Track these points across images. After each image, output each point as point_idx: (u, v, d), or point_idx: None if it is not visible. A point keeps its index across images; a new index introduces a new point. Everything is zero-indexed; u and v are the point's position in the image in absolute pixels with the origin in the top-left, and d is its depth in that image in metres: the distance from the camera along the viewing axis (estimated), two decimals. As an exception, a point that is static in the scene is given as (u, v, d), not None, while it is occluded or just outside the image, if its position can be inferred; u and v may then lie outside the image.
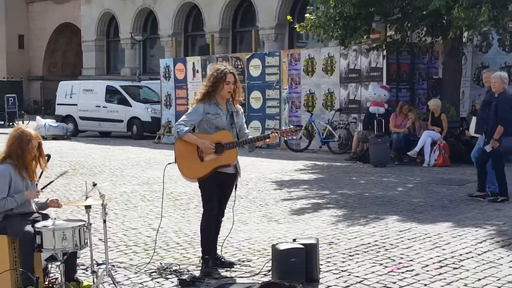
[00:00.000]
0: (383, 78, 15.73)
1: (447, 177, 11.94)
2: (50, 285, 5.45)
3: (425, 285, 5.51)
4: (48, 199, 5.71)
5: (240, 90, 6.09)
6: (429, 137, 13.72)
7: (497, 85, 9.17)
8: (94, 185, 5.37)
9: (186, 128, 5.84)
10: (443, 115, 13.99)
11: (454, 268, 5.99)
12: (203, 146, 5.82)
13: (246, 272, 5.95)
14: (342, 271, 5.95)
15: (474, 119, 13.52)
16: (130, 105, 22.32)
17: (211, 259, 6.00)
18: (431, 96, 15.82)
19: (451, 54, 14.56)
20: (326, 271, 5.91)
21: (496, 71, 9.78)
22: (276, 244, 5.73)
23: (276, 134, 6.02)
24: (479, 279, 5.66)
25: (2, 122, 28.65)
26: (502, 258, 6.32)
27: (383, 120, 14.30)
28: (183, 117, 5.99)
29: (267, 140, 6.04)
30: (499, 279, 5.65)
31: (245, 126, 6.29)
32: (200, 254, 6.13)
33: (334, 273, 5.86)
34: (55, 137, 21.44)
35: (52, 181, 6.03)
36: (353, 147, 15.06)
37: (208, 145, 5.81)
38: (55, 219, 5.36)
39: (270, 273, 5.72)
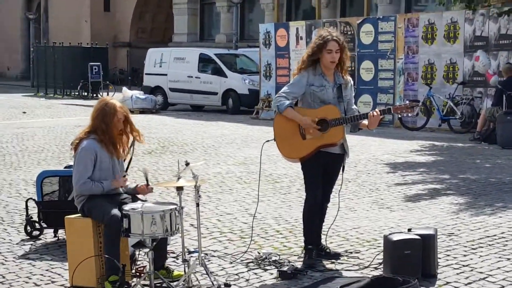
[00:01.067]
0: (515, 46, 15.16)
1: None
2: (138, 273, 5.60)
3: None
4: (138, 184, 5.86)
5: (348, 59, 6.02)
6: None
7: None
8: (187, 164, 5.45)
9: (287, 102, 5.84)
10: None
11: None
12: (305, 123, 5.81)
13: (354, 264, 5.94)
14: (464, 266, 5.85)
15: None
16: (225, 76, 22.58)
17: (315, 249, 6.02)
18: None
19: None
20: (445, 266, 5.83)
21: None
22: (389, 234, 5.67)
23: (376, 112, 5.82)
24: None
25: (86, 94, 29.46)
26: None
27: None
28: (284, 88, 5.99)
29: (366, 122, 5.91)
30: None
31: (353, 101, 6.23)
32: (303, 244, 6.16)
33: (454, 268, 5.77)
34: (142, 111, 21.96)
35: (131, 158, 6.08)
36: (479, 126, 14.65)
37: (310, 123, 5.79)
38: (144, 201, 5.52)
39: (382, 266, 5.69)
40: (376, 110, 5.97)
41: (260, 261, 6.01)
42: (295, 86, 5.95)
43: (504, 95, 13.95)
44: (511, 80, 14.29)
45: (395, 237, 5.49)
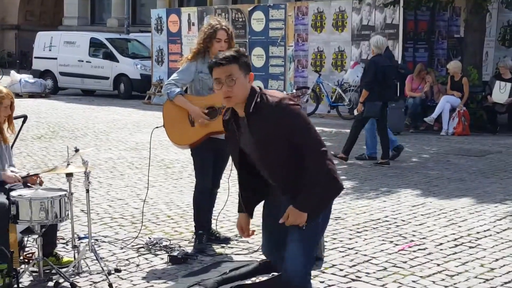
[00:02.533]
0: (399, 36, 15.62)
1: (466, 147, 11.98)
2: (26, 260, 5.47)
3: (438, 265, 5.59)
4: (28, 173, 5.69)
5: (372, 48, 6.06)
6: (448, 102, 13.73)
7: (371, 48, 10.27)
8: (77, 150, 5.38)
9: (178, 90, 5.84)
10: (464, 79, 13.97)
11: (470, 247, 6.06)
12: (193, 112, 5.82)
13: (243, 248, 6.01)
14: (349, 249, 6.01)
15: (497, 83, 13.57)
16: (117, 61, 22.22)
17: (205, 234, 6.05)
18: (451, 57, 15.78)
19: (474, 10, 14.45)
20: (332, 249, 5.98)
21: None
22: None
23: None
24: (497, 259, 5.73)
25: (-27, 77, 28.45)
26: (523, 236, 6.39)
27: (398, 83, 14.26)
28: (174, 75, 5.99)
29: None
30: (518, 259, 5.72)
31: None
32: (193, 229, 6.17)
33: (340, 251, 5.93)
34: (32, 95, 21.35)
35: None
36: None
37: (198, 112, 5.80)
38: (35, 187, 5.37)
39: (270, 250, 5.77)
40: None
41: (150, 246, 5.98)
42: (184, 73, 5.96)
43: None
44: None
45: (284, 221, 5.57)
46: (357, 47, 16.60)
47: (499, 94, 13.62)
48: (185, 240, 6.25)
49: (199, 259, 5.70)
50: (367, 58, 16.15)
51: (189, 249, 5.94)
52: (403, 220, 6.98)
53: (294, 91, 6.38)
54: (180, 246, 6.01)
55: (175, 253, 5.69)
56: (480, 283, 5.17)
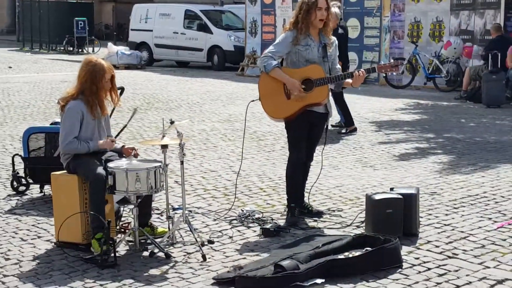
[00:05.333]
0: (501, 5, 15.10)
1: None
2: (122, 229, 5.62)
3: (540, 244, 5.40)
4: (123, 145, 5.82)
5: (331, 21, 6.01)
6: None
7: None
8: (172, 122, 5.45)
9: (274, 62, 5.82)
10: None
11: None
12: (291, 85, 5.78)
13: (336, 223, 5.97)
14: (445, 225, 5.88)
15: None
16: (211, 32, 22.40)
17: (298, 207, 6.05)
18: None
19: None
20: (427, 225, 5.86)
21: None
22: (371, 193, 5.69)
23: (361, 72, 5.88)
24: None
25: (71, 49, 29.34)
26: None
27: (499, 54, 13.76)
28: (270, 47, 5.96)
29: (350, 80, 5.94)
30: None
31: (337, 60, 6.21)
32: (286, 202, 6.18)
33: (436, 227, 5.81)
34: (128, 66, 21.85)
35: (125, 126, 6.15)
36: (464, 85, 14.65)
37: (296, 85, 5.77)
38: (130, 158, 5.50)
39: (364, 225, 5.72)
40: (361, 69, 5.97)
41: (243, 219, 6.03)
42: (280, 45, 5.92)
43: (490, 54, 13.91)
44: (498, 39, 14.25)
45: (377, 196, 5.51)
46: (456, 17, 16.10)
47: None
48: (278, 213, 6.27)
49: (291, 232, 5.70)
50: (466, 29, 15.72)
51: (282, 222, 5.96)
52: (503, 197, 6.76)
53: (392, 60, 6.24)
54: (272, 219, 6.03)
55: (267, 226, 5.72)
56: None
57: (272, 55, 5.86)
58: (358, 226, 5.83)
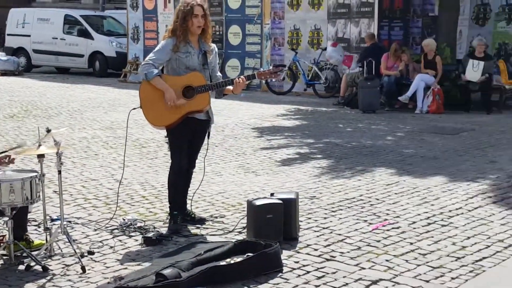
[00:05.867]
0: (375, 15, 15.63)
1: (440, 125, 12.02)
2: (-3, 243, 5.39)
3: (411, 243, 5.60)
4: (-4, 153, 5.59)
5: (210, 26, 6.03)
6: (422, 81, 13.76)
7: None
8: (48, 131, 5.28)
9: (156, 71, 5.78)
10: (437, 57, 14.02)
11: (442, 226, 6.09)
12: (168, 95, 5.74)
13: (218, 229, 5.96)
14: (324, 228, 5.99)
15: (471, 62, 13.62)
16: (92, 38, 21.98)
17: (180, 214, 6.01)
18: (426, 36, 15.80)
19: (448, -11, 14.47)
20: (306, 229, 5.95)
21: None
22: (252, 199, 5.73)
23: (241, 79, 5.94)
24: (468, 237, 5.76)
25: None
26: (494, 214, 6.44)
27: (374, 62, 14.26)
28: (151, 55, 5.91)
29: (231, 87, 6.00)
30: (489, 237, 5.76)
31: (218, 68, 6.24)
32: (168, 210, 6.12)
33: (315, 231, 5.91)
34: (4, 73, 21.08)
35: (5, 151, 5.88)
36: (341, 91, 15.05)
37: (172, 96, 5.74)
38: (4, 168, 5.28)
39: (245, 230, 5.75)
40: (242, 76, 6.02)
41: (125, 228, 5.92)
42: (160, 52, 5.88)
43: (365, 62, 14.37)
44: (373, 47, 14.74)
45: (258, 202, 5.55)
46: (333, 25, 16.54)
47: (472, 72, 13.65)
48: (160, 221, 6.19)
49: (173, 240, 5.65)
50: (343, 37, 16.18)
51: (164, 230, 5.89)
52: (377, 199, 6.98)
53: (271, 67, 6.32)
54: (154, 227, 5.95)
55: (149, 235, 5.64)
56: (452, 261, 5.19)
57: (153, 63, 5.82)
58: (240, 232, 5.84)
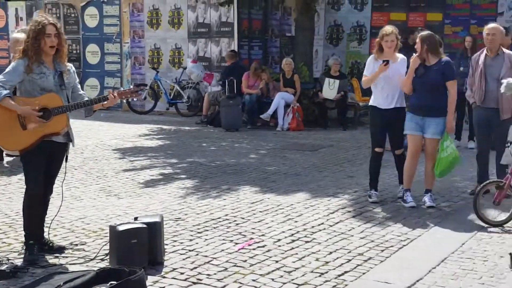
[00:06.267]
0: (235, 34, 15.77)
1: (300, 142, 12.23)
2: None
3: (277, 261, 5.59)
4: None
5: (65, 45, 5.77)
6: (282, 99, 14.00)
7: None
8: None
9: (5, 92, 5.44)
10: (295, 76, 14.34)
11: (306, 242, 6.14)
12: (25, 112, 5.44)
13: (79, 257, 5.68)
14: (190, 250, 5.87)
15: (327, 80, 14.04)
16: None
17: (37, 244, 5.66)
18: (284, 55, 16.11)
19: (303, 11, 14.84)
20: (172, 252, 5.80)
21: None
22: (115, 224, 5.50)
23: (114, 95, 5.80)
24: (330, 252, 5.85)
25: None
26: (353, 228, 6.59)
27: (235, 80, 14.34)
28: (0, 76, 5.56)
29: (105, 103, 5.81)
30: (350, 252, 5.87)
31: (79, 86, 6.01)
32: (23, 239, 5.75)
33: (181, 254, 5.77)
34: None
35: None
36: (204, 110, 15.01)
37: (30, 111, 5.44)
38: None
39: (108, 257, 5.50)
40: (108, 95, 5.82)
41: (-24, 261, 5.50)
42: (12, 74, 5.56)
43: (226, 81, 14.39)
44: (233, 66, 14.83)
45: (121, 227, 5.33)
46: (194, 45, 16.53)
47: (328, 90, 14.04)
48: (15, 251, 5.80)
49: (30, 272, 5.30)
50: (204, 56, 16.20)
51: (19, 262, 5.52)
52: (243, 218, 6.94)
53: (131, 86, 6.15)
54: (8, 259, 5.55)
55: (2, 267, 5.25)
56: (316, 277, 5.23)
57: (3, 85, 5.47)
58: (102, 260, 5.58)
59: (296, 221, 6.82)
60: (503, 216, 6.75)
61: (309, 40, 15.17)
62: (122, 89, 6.11)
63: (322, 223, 6.76)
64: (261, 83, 14.57)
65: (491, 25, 7.90)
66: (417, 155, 7.52)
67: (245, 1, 15.50)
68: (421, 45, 7.33)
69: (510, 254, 5.48)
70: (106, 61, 17.65)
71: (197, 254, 5.76)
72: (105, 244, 5.75)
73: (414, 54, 7.44)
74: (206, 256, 5.72)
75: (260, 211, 7.21)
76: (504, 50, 7.85)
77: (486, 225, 6.65)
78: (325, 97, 14.07)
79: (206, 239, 6.19)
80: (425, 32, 7.56)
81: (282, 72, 14.64)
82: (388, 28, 7.61)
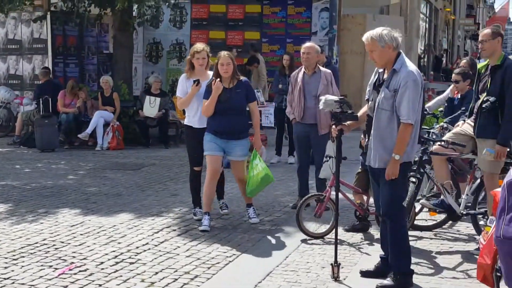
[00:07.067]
0: (48, 51, 15.21)
1: (121, 161, 11.98)
2: None
3: (100, 285, 5.41)
4: None
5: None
6: (102, 117, 13.68)
7: None
8: None
9: None
10: (115, 94, 14.08)
11: (131, 263, 5.99)
12: None
13: None
14: (5, 279, 5.51)
15: (147, 98, 13.92)
16: None
17: None
18: (102, 73, 15.79)
19: (122, 28, 14.63)
20: (-15, 282, 5.40)
21: None
22: None
23: None
24: (156, 273, 5.74)
25: None
26: (179, 247, 6.52)
27: (50, 99, 13.78)
28: None
29: None
30: (176, 271, 5.80)
31: None
32: None
33: (-4, 283, 5.39)
34: None
35: None
36: (17, 130, 14.29)
37: None
38: None
39: None
40: None
41: None
42: None
43: (41, 100, 13.78)
44: (48, 84, 14.26)
45: None
46: (4, 62, 15.74)
47: (149, 108, 13.89)
48: None
49: None
50: (15, 73, 15.45)
51: None
52: (62, 242, 6.62)
53: None
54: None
55: None
56: (141, 299, 5.08)
57: None
58: None
59: (119, 243, 6.62)
60: (323, 228, 6.98)
61: (128, 57, 14.99)
62: None
63: (147, 243, 6.62)
64: (78, 101, 14.13)
65: (307, 44, 8.19)
66: (217, 176, 7.39)
67: (60, 17, 14.95)
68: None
69: (331, 264, 5.64)
70: None
71: (13, 283, 5.41)
72: None
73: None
74: (23, 284, 5.39)
75: (81, 234, 6.92)
76: (321, 68, 8.16)
77: (308, 238, 6.83)
78: (146, 115, 13.91)
79: (22, 266, 5.84)
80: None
81: (100, 91, 14.29)
82: (199, 46, 7.51)
